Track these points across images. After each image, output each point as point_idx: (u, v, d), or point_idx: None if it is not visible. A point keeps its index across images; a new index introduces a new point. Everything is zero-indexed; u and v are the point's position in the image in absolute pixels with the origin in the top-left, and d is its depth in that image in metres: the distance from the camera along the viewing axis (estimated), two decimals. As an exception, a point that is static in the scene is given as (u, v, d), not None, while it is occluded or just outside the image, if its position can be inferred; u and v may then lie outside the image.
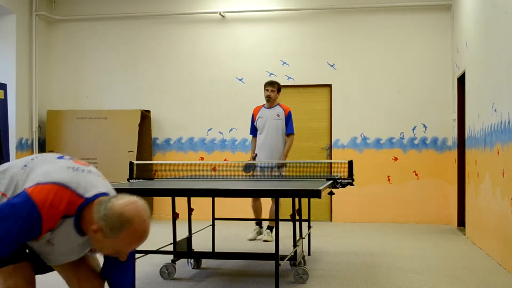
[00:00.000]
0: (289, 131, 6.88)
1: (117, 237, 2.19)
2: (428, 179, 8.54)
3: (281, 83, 8.84)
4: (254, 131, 7.03)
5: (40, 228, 2.18)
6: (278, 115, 6.85)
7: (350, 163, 5.33)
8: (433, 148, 8.58)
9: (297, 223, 5.01)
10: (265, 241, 6.66)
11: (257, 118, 6.93)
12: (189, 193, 4.47)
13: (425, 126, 8.59)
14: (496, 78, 5.50)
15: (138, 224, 2.19)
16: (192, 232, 5.35)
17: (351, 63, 8.79)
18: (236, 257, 5.33)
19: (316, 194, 3.72)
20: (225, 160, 8.85)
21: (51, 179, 2.24)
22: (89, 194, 2.26)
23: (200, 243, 5.92)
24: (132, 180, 5.31)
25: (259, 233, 6.85)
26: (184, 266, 5.17)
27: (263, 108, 6.98)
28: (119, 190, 4.39)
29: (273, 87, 6.92)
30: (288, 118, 6.90)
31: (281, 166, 6.69)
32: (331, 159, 8.65)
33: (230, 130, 9.07)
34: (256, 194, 4.14)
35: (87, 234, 2.28)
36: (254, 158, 6.84)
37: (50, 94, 9.46)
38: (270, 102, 6.93)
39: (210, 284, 4.55)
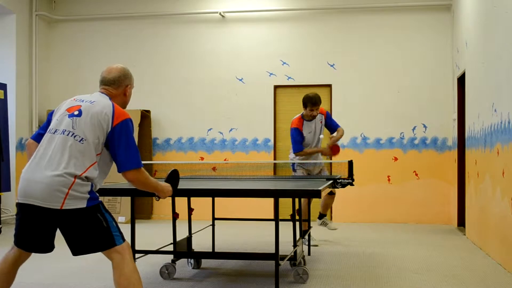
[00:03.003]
0: (335, 126, 6.56)
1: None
2: (428, 179, 8.54)
3: (281, 83, 8.94)
4: (301, 145, 6.48)
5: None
6: (321, 122, 6.57)
7: (350, 163, 5.33)
8: (433, 148, 8.58)
9: (297, 223, 5.01)
10: (334, 229, 6.73)
11: (304, 133, 6.45)
12: (189, 193, 4.48)
13: (425, 126, 8.59)
14: (496, 78, 5.51)
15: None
16: (192, 232, 5.35)
17: (351, 63, 8.79)
18: (236, 257, 5.34)
19: (316, 194, 3.72)
20: (225, 160, 8.85)
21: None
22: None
23: (200, 243, 5.92)
24: (132, 180, 5.30)
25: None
26: (184, 266, 5.17)
27: (304, 122, 6.46)
28: (119, 190, 4.41)
29: (318, 106, 6.38)
30: (329, 118, 6.58)
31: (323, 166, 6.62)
32: (331, 159, 8.64)
33: (230, 130, 9.07)
34: (256, 194, 4.13)
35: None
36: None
37: (50, 94, 9.46)
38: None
39: (210, 284, 4.55)
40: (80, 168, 2.99)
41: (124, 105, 3.35)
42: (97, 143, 3.06)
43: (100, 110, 3.08)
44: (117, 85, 3.31)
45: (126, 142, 3.09)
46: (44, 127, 3.22)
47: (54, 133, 3.08)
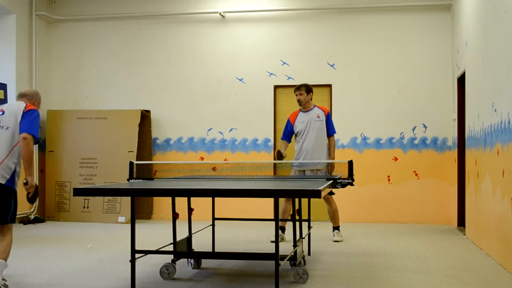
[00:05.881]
0: (332, 132, 6.83)
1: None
2: (428, 179, 8.54)
3: (281, 83, 8.94)
4: (287, 136, 6.89)
5: None
6: (318, 117, 6.76)
7: (350, 163, 5.33)
8: (433, 148, 8.58)
9: (297, 223, 5.01)
10: (335, 241, 6.69)
11: (296, 123, 6.79)
12: (189, 193, 4.47)
13: (425, 126, 8.59)
14: (496, 78, 5.51)
15: None
16: (192, 232, 5.35)
17: (351, 63, 8.80)
18: (236, 257, 5.33)
19: (316, 194, 3.72)
20: (225, 160, 8.85)
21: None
22: None
23: (200, 243, 5.92)
24: (132, 180, 5.31)
25: (282, 238, 6.63)
26: (184, 266, 5.17)
27: (300, 113, 6.85)
28: (119, 190, 4.41)
29: (301, 91, 6.78)
30: (328, 118, 6.83)
31: (326, 167, 6.65)
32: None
33: (230, 130, 9.07)
34: (256, 194, 4.13)
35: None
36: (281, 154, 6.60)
37: (50, 94, 9.46)
38: (304, 105, 6.81)
39: (210, 284, 4.55)
40: (7, 149, 4.32)
41: None
42: (17, 128, 4.39)
43: (16, 107, 4.52)
44: (29, 98, 4.66)
45: (31, 119, 4.43)
46: None
47: None
